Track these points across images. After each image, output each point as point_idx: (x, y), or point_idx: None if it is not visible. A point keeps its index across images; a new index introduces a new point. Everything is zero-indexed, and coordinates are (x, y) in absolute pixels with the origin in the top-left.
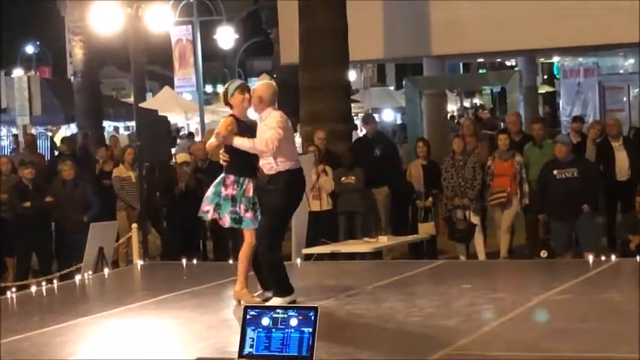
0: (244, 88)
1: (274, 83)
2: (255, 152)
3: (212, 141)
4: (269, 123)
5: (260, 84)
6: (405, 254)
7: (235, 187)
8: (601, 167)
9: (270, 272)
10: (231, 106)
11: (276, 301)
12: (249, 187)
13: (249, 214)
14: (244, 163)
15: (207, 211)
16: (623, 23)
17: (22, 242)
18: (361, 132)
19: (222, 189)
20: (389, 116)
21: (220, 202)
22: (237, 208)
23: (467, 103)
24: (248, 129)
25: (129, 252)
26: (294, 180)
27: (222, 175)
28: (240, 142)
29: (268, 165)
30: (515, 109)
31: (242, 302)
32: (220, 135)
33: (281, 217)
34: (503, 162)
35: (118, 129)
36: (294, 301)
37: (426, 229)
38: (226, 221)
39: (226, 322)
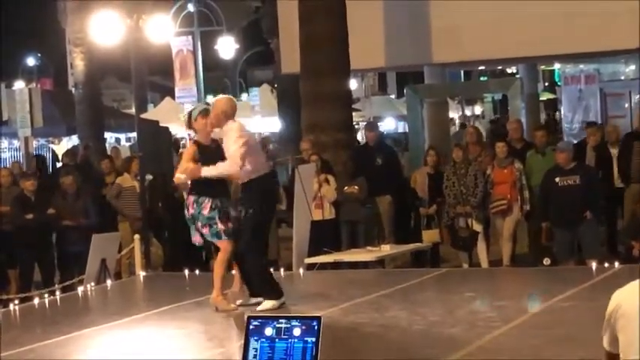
0: (207, 113)
1: (234, 98)
2: (228, 175)
3: (180, 176)
4: (230, 137)
5: (219, 98)
6: (408, 263)
7: (195, 206)
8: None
9: (257, 278)
10: (195, 131)
11: (267, 304)
12: (207, 205)
13: (205, 230)
14: (203, 184)
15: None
16: (624, 29)
17: (25, 254)
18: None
19: (185, 211)
20: (390, 125)
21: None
22: (197, 226)
23: (468, 111)
24: (213, 153)
25: (131, 263)
26: (265, 187)
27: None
28: (209, 172)
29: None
30: (517, 117)
31: (218, 309)
32: (185, 178)
33: (256, 224)
34: (502, 169)
35: (119, 140)
36: (283, 304)
37: (429, 237)
38: (197, 239)
39: (229, 333)
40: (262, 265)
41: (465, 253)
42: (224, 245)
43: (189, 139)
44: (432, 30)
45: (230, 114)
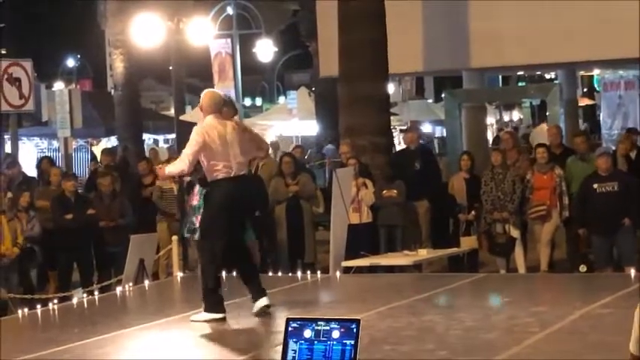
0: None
1: (218, 92)
2: (181, 174)
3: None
4: (192, 133)
5: (204, 92)
6: (445, 267)
7: (198, 197)
8: None
9: (203, 282)
10: None
11: (202, 316)
12: None
13: None
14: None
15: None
16: None
17: (64, 254)
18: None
19: (188, 198)
20: (427, 129)
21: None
22: (194, 219)
23: (506, 116)
24: None
25: (169, 264)
26: (219, 192)
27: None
28: (170, 171)
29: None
30: (556, 123)
31: None
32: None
33: (206, 227)
34: (543, 175)
35: (157, 142)
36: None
37: (468, 243)
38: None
39: (268, 335)
40: (211, 271)
41: (503, 259)
42: None
43: None
44: (471, 34)
45: (206, 108)
